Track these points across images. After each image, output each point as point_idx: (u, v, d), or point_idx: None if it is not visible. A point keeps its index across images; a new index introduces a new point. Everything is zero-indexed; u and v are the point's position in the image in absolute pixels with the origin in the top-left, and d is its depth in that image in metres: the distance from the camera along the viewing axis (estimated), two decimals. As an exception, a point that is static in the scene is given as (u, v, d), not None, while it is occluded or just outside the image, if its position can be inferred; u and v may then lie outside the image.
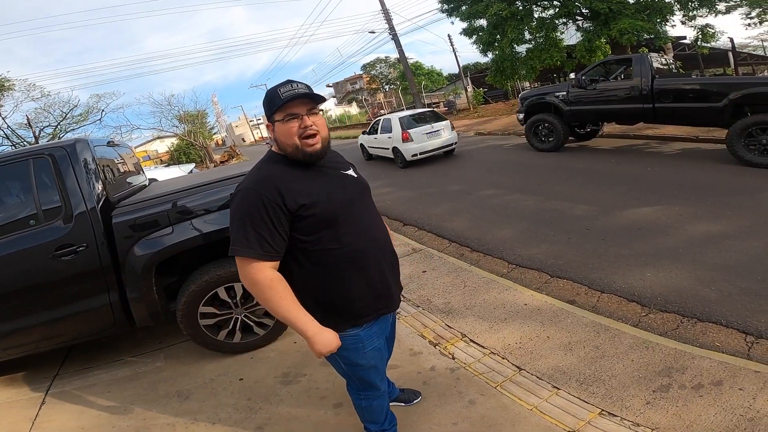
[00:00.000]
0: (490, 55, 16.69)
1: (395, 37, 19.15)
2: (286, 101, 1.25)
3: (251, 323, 2.72)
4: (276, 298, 1.24)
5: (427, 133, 9.04)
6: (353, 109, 44.98)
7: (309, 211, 1.26)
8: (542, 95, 8.10)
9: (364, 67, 46.76)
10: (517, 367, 2.25)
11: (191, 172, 8.58)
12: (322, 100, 1.32)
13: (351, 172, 1.46)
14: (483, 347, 2.46)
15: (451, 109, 22.96)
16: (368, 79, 48.01)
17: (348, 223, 1.33)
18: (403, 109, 19.56)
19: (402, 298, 3.16)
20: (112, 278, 2.47)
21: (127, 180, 3.32)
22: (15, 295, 2.43)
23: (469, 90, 23.08)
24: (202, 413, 2.28)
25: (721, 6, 12.24)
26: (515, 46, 15.44)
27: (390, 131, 9.53)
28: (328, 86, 54.79)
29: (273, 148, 1.39)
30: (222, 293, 2.58)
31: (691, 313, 2.57)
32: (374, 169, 10.13)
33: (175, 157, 26.89)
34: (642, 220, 4.08)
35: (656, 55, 7.55)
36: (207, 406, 2.31)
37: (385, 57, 44.33)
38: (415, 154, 9.00)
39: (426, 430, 1.91)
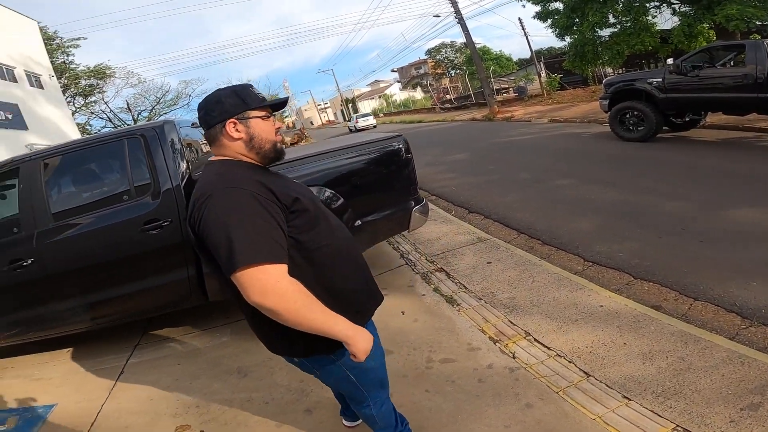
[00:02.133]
0: (567, 39, 15.81)
1: (461, 21, 18.32)
2: (267, 105, 1.22)
3: None
4: (308, 303, 1.04)
5: (363, 119, 29.14)
6: (417, 94, 44.55)
7: (302, 206, 1.15)
8: (631, 81, 7.38)
9: (428, 51, 46.07)
10: (584, 372, 2.06)
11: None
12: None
13: (295, 181, 1.40)
14: (548, 348, 2.29)
15: (522, 95, 21.80)
16: (433, 64, 47.20)
17: (327, 218, 1.27)
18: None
19: (464, 289, 3.08)
20: (190, 253, 2.59)
21: (208, 159, 3.50)
22: (107, 266, 2.64)
23: (542, 75, 21.68)
24: (257, 392, 2.35)
25: None
26: (597, 29, 14.34)
27: (351, 120, 31.91)
28: (392, 71, 54.77)
29: (217, 156, 1.23)
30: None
31: (803, 330, 2.17)
32: (427, 157, 9.89)
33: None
34: (750, 222, 3.52)
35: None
36: (263, 385, 2.38)
37: (451, 42, 43.29)
38: (356, 129, 26.27)
39: (475, 428, 1.82)
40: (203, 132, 1.24)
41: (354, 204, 2.85)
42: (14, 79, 11.24)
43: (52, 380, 2.93)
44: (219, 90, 1.22)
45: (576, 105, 14.48)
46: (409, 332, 2.65)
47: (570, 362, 2.14)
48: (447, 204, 5.74)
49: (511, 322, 2.58)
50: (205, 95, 1.26)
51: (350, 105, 52.01)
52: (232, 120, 1.16)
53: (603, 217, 4.15)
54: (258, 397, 2.30)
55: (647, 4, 13.56)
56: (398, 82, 56.71)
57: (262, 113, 1.21)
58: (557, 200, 4.94)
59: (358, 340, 1.10)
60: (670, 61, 6.91)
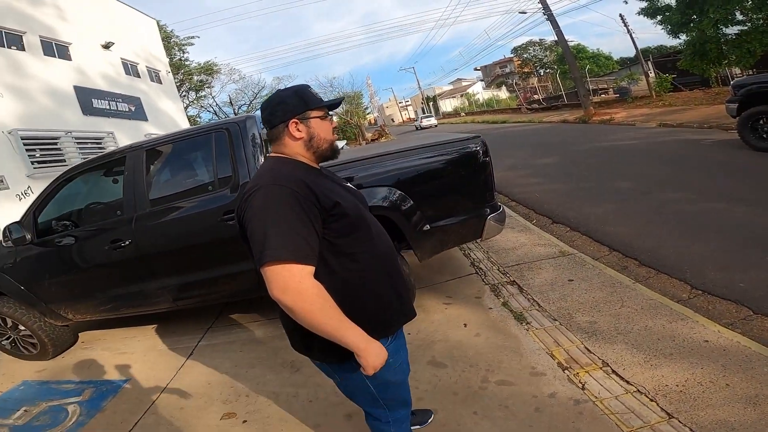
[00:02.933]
0: (682, 36, 14.10)
1: (551, 17, 17.10)
2: (325, 105, 1.26)
3: None
4: (326, 308, 1.05)
5: (425, 119, 34.84)
6: (502, 94, 42.82)
7: (342, 211, 1.16)
8: (767, 83, 6.18)
9: (514, 50, 44.15)
10: (667, 413, 1.77)
11: (342, 148, 9.21)
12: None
13: (348, 184, 1.41)
14: (627, 382, 2.00)
15: (624, 96, 19.73)
16: (519, 62, 45.03)
17: (368, 226, 1.27)
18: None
19: (537, 307, 2.79)
20: None
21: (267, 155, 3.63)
22: (191, 251, 2.84)
23: (651, 75, 19.36)
24: (304, 388, 2.37)
25: None
26: (721, 27, 12.72)
27: (417, 119, 39.06)
28: (475, 69, 53.36)
29: (275, 153, 1.27)
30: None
31: None
32: (510, 160, 9.30)
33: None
34: None
35: None
36: (311, 383, 2.38)
37: (540, 39, 40.88)
38: (421, 127, 33.00)
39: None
40: (266, 131, 1.28)
41: (424, 207, 2.74)
42: (137, 75, 12.89)
43: (134, 355, 3.26)
44: (280, 91, 1.27)
45: (693, 108, 12.66)
46: (469, 347, 2.49)
47: (651, 400, 1.87)
48: (528, 211, 5.35)
49: (588, 349, 2.30)
50: (268, 96, 1.33)
51: (431, 103, 51.68)
52: (294, 120, 1.21)
53: (724, 239, 3.50)
54: (304, 394, 2.32)
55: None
56: (481, 80, 55.10)
57: (321, 113, 1.25)
58: (664, 216, 4.28)
59: (369, 353, 1.08)
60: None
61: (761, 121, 6.20)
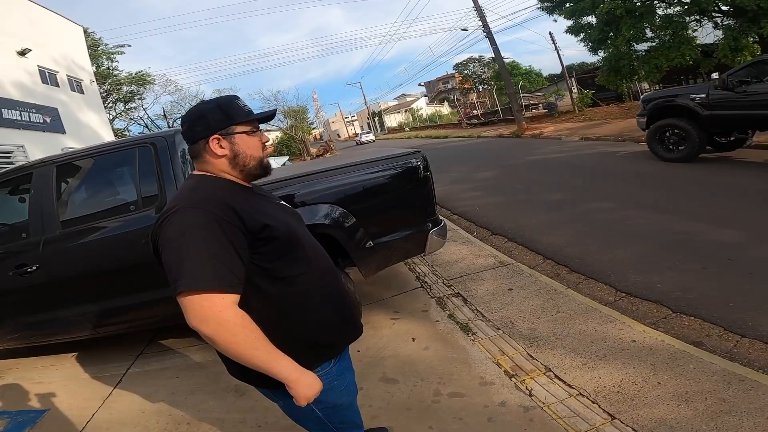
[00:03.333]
0: (601, 53, 15.37)
1: (489, 35, 18.14)
2: (254, 118, 1.17)
3: None
4: (251, 339, 0.98)
5: (365, 136, 39.06)
6: (444, 109, 44.60)
7: (272, 233, 1.08)
8: (672, 97, 6.96)
9: (456, 66, 46.30)
10: (609, 414, 1.85)
11: (284, 164, 8.99)
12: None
13: (282, 202, 1.35)
14: (570, 386, 2.08)
15: (552, 112, 21.35)
16: (460, 78, 47.37)
17: (304, 246, 1.20)
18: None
19: (481, 317, 2.86)
20: None
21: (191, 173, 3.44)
22: (111, 276, 2.58)
23: (574, 91, 21.19)
24: (252, 413, 2.23)
25: None
26: (633, 44, 13.91)
27: (358, 136, 42.40)
28: (420, 85, 55.24)
29: (199, 171, 1.17)
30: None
31: None
32: (452, 174, 9.67)
33: (277, 150, 29.27)
34: (809, 255, 3.14)
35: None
36: (259, 407, 2.24)
37: (479, 56, 43.50)
38: (360, 142, 36.50)
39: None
40: (187, 147, 1.19)
41: (367, 223, 2.70)
42: (56, 83, 11.77)
43: (51, 384, 2.92)
44: (202, 103, 1.18)
45: (609, 122, 13.97)
46: (419, 361, 2.47)
47: (593, 402, 1.95)
48: (469, 224, 5.51)
49: (531, 356, 2.38)
50: (189, 108, 1.22)
51: (377, 118, 52.55)
52: (215, 136, 1.11)
53: (640, 244, 3.83)
54: (251, 420, 2.19)
55: (687, 18, 13.07)
56: (425, 96, 57.08)
57: (248, 128, 1.16)
58: (589, 224, 4.62)
59: (300, 384, 1.03)
60: (714, 75, 6.47)
61: (667, 133, 6.94)
